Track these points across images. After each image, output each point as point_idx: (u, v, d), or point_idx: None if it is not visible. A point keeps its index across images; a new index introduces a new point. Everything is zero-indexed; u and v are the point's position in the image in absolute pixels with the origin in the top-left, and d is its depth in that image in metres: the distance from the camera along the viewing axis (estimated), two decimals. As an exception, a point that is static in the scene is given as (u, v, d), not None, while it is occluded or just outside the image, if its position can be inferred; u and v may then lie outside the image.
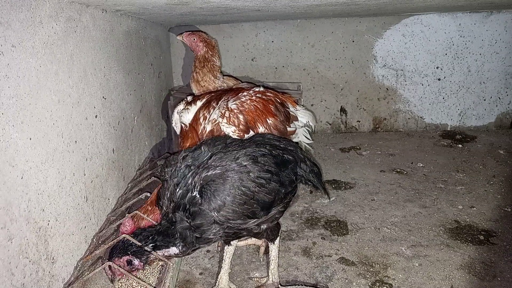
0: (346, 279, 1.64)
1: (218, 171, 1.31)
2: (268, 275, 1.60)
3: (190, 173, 1.34)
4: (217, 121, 1.58)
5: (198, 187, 1.29)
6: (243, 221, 1.32)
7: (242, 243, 1.84)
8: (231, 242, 1.56)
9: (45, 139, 1.26)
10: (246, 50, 3.44)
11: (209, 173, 1.31)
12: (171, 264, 1.47)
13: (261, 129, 1.60)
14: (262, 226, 1.41)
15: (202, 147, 1.41)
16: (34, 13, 1.22)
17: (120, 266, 1.30)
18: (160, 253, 1.34)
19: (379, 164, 2.83)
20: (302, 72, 3.47)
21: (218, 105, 1.63)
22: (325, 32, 3.38)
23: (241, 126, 1.56)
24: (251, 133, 1.59)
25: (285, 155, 1.47)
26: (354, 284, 1.60)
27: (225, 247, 1.58)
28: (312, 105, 3.50)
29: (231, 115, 1.56)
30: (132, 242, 1.32)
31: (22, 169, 1.13)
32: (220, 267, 1.61)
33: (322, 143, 3.32)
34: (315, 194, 2.39)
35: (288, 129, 1.75)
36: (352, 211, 2.19)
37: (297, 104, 1.92)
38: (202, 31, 2.30)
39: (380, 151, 3.07)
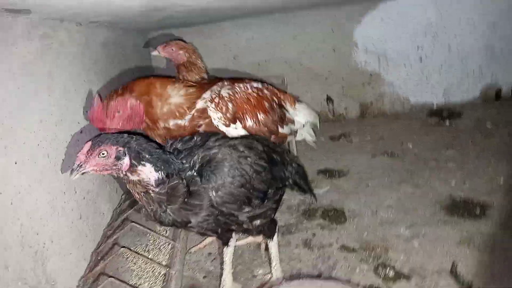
0: (349, 266, 1.65)
1: (216, 151, 1.31)
2: (271, 272, 1.61)
3: (185, 154, 1.32)
4: (203, 107, 1.55)
5: (197, 166, 1.28)
6: (238, 208, 1.33)
7: (242, 242, 1.83)
8: (229, 243, 1.55)
9: (31, 161, 1.24)
10: (227, 49, 3.42)
11: (208, 153, 1.31)
12: (173, 272, 1.46)
13: (250, 123, 1.60)
14: (254, 222, 1.41)
15: (194, 136, 1.41)
16: (7, 35, 1.20)
17: (103, 156, 1.13)
18: (146, 170, 1.18)
19: (370, 149, 2.84)
20: (285, 66, 3.46)
21: (211, 89, 1.61)
22: (305, 24, 3.37)
23: (228, 115, 1.55)
24: (238, 124, 1.58)
25: (274, 155, 1.50)
26: (358, 270, 1.62)
27: (224, 249, 1.58)
28: (298, 97, 3.50)
29: (220, 101, 1.55)
30: (133, 138, 1.19)
31: (10, 194, 1.11)
32: (222, 269, 1.61)
33: (312, 134, 3.33)
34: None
35: (281, 130, 1.73)
36: (348, 198, 2.20)
37: (298, 103, 1.92)
38: (177, 39, 2.27)
39: (369, 136, 3.09)
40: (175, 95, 1.53)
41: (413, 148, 2.76)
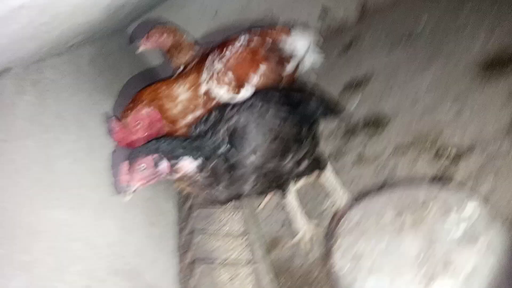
0: (409, 161, 1.64)
1: (238, 117, 1.32)
2: (338, 200, 1.65)
3: (211, 132, 1.33)
4: (208, 87, 1.54)
5: (227, 139, 1.29)
6: (280, 159, 1.35)
7: (300, 184, 1.85)
8: (289, 189, 1.58)
9: (93, 198, 1.30)
10: (205, 8, 3.28)
11: (231, 123, 1.32)
12: (253, 235, 1.52)
13: (256, 78, 1.56)
14: (302, 164, 1.42)
15: (212, 112, 1.41)
16: (3, 97, 1.21)
17: (142, 168, 1.15)
18: (185, 163, 1.20)
19: (383, 44, 2.69)
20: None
21: (205, 67, 1.59)
22: None
23: (233, 83, 1.53)
24: (246, 86, 1.55)
25: (293, 96, 1.48)
26: (419, 163, 1.61)
27: (286, 197, 1.61)
28: (291, 24, 3.34)
29: (219, 75, 1.53)
30: (161, 141, 1.21)
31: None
32: (294, 214, 1.65)
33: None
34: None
35: (287, 69, 1.67)
36: (382, 99, 2.13)
37: (291, 32, 1.82)
38: (155, 26, 2.17)
39: (378, 30, 2.91)
40: (183, 92, 1.53)
41: (428, 19, 2.58)
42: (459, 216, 1.07)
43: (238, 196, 1.34)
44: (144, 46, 2.05)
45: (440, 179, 1.49)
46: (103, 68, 2.18)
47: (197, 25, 3.28)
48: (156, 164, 1.18)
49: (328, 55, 3.04)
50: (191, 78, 1.57)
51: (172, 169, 1.20)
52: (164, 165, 1.19)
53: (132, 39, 3.13)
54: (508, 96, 1.62)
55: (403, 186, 1.28)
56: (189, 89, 1.55)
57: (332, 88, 2.48)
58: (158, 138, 1.25)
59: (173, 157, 1.20)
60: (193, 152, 1.22)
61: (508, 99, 1.61)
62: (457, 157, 1.53)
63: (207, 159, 1.24)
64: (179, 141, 1.24)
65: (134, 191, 1.19)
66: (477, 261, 0.98)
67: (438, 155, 1.59)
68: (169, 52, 2.07)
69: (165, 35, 1.97)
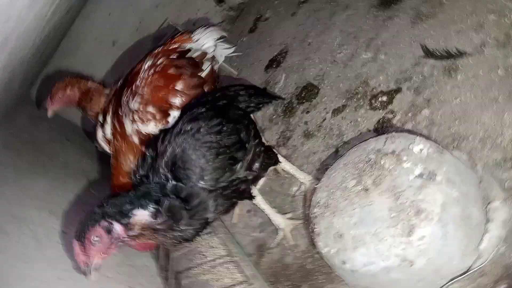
0: (350, 121, 1.66)
1: (171, 149, 1.26)
2: (302, 182, 1.65)
3: (151, 172, 1.28)
4: (135, 128, 1.47)
5: (170, 174, 1.24)
6: (231, 172, 1.31)
7: (259, 185, 1.82)
8: (253, 196, 1.55)
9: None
10: (100, 41, 3.10)
11: (167, 157, 1.25)
12: (235, 256, 1.48)
13: (178, 100, 1.49)
14: (254, 168, 1.39)
15: (145, 153, 1.34)
16: None
17: (96, 241, 1.07)
18: (138, 216, 1.13)
19: (284, 14, 2.69)
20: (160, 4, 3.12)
21: (123, 111, 1.51)
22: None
23: (157, 116, 1.46)
24: (172, 111, 1.48)
25: (219, 103, 1.43)
26: (359, 119, 1.64)
27: (253, 201, 1.59)
28: (193, 24, 3.25)
29: (140, 114, 1.46)
30: (104, 205, 1.13)
31: None
32: (267, 215, 1.63)
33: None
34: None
35: (204, 75, 1.61)
36: (304, 71, 2.13)
37: (193, 34, 1.75)
38: (55, 83, 1.99)
39: (273, 2, 2.91)
40: (128, 158, 1.48)
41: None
42: (411, 161, 1.09)
43: (204, 226, 1.29)
44: (52, 108, 1.91)
45: (382, 127, 1.53)
46: (21, 149, 2.01)
47: (98, 62, 3.10)
48: (108, 231, 1.11)
49: (239, 42, 3.02)
50: (121, 140, 1.51)
51: (127, 228, 1.13)
52: (117, 228, 1.12)
53: (39, 103, 2.92)
54: (411, 26, 1.68)
55: (353, 150, 1.28)
56: (129, 151, 1.49)
57: (254, 74, 2.46)
58: (100, 204, 1.16)
59: (123, 216, 1.13)
60: (141, 201, 1.16)
61: (413, 28, 1.66)
62: (389, 101, 1.57)
63: (157, 203, 1.18)
64: (123, 197, 1.17)
65: (97, 268, 1.11)
66: (443, 198, 1.01)
67: (372, 105, 1.62)
68: (80, 104, 1.93)
69: (68, 89, 1.83)
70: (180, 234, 1.23)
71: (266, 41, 2.66)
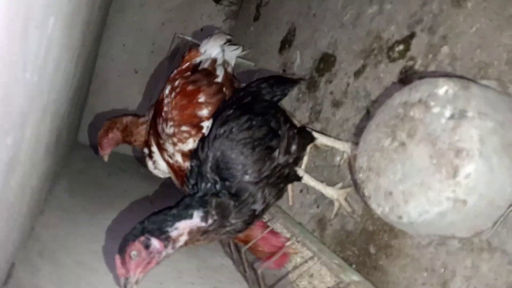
0: (373, 79, 1.67)
1: (211, 154, 1.35)
2: (343, 151, 1.69)
3: (199, 180, 1.36)
4: (178, 149, 1.58)
5: (217, 177, 1.32)
6: (271, 160, 1.38)
7: (304, 165, 1.88)
8: (300, 177, 1.61)
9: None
10: (125, 74, 3.29)
11: (210, 163, 1.34)
12: (299, 236, 1.56)
13: (205, 111, 1.58)
14: (292, 151, 1.45)
15: (191, 165, 1.44)
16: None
17: (134, 255, 1.10)
18: (182, 224, 1.17)
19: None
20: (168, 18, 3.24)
21: (163, 140, 1.62)
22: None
23: (192, 132, 1.55)
24: (204, 124, 1.57)
25: (244, 101, 1.50)
26: (381, 73, 1.63)
27: (302, 181, 1.65)
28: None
29: (177, 136, 1.56)
30: (144, 220, 1.17)
31: None
32: (318, 190, 1.69)
33: None
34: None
35: (219, 80, 1.68)
36: (316, 43, 2.14)
37: (200, 47, 1.83)
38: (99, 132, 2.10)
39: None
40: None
41: None
42: (438, 105, 1.10)
43: (253, 217, 1.37)
44: (105, 154, 2.06)
45: (407, 77, 1.52)
46: (85, 191, 2.21)
47: (127, 93, 3.29)
48: (147, 246, 1.14)
49: (247, 33, 3.06)
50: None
51: (168, 242, 1.17)
52: (154, 244, 1.15)
53: (95, 149, 3.14)
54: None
55: (381, 110, 1.30)
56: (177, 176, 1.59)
57: (271, 59, 2.50)
58: (141, 220, 1.21)
59: (163, 231, 1.17)
60: (183, 214, 1.22)
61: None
62: (406, 48, 1.56)
63: (204, 206, 1.25)
64: (163, 213, 1.23)
65: (137, 281, 1.15)
66: (478, 132, 1.01)
67: (390, 58, 1.61)
68: (125, 140, 2.08)
69: (109, 133, 1.98)
70: (231, 228, 1.31)
71: (273, 25, 2.69)
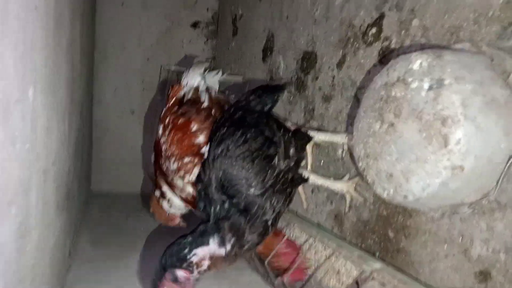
0: (355, 66, 1.68)
1: (214, 174, 1.38)
2: (342, 142, 1.70)
3: (207, 204, 1.39)
4: (187, 181, 1.61)
5: (224, 197, 1.34)
6: (272, 169, 1.39)
7: (309, 161, 1.89)
8: (307, 178, 1.63)
9: None
10: (123, 111, 3.36)
11: (214, 184, 1.36)
12: (315, 236, 1.56)
13: (201, 138, 1.62)
14: (290, 153, 1.47)
15: (197, 190, 1.46)
16: None
17: None
18: (200, 251, 1.23)
19: (252, 2, 2.73)
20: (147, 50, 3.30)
21: (170, 177, 1.65)
22: None
23: (195, 161, 1.59)
24: (204, 149, 1.60)
25: (235, 116, 1.53)
26: (361, 59, 1.65)
27: (309, 182, 1.66)
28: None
29: (183, 169, 1.59)
30: (162, 257, 1.22)
31: None
32: (327, 187, 1.70)
33: None
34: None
35: (205, 104, 1.72)
36: (295, 44, 2.17)
37: (182, 81, 1.88)
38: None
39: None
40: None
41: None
42: (416, 79, 1.11)
43: (267, 228, 1.39)
44: (177, 223, 1.93)
45: (385, 57, 1.53)
46: (107, 239, 2.25)
47: (127, 135, 3.32)
48: (175, 280, 1.19)
49: (230, 48, 3.10)
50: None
51: (191, 268, 1.22)
52: (180, 274, 1.20)
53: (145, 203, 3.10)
54: None
55: (365, 96, 1.31)
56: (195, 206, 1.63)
57: (256, 70, 2.54)
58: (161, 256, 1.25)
59: (183, 260, 1.22)
60: (199, 241, 1.26)
61: None
62: (379, 30, 1.57)
63: (218, 231, 1.28)
64: (178, 242, 1.27)
65: None
66: (459, 97, 1.02)
67: (367, 42, 1.63)
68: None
69: (158, 214, 1.91)
70: (249, 244, 1.34)
71: (251, 35, 2.73)
